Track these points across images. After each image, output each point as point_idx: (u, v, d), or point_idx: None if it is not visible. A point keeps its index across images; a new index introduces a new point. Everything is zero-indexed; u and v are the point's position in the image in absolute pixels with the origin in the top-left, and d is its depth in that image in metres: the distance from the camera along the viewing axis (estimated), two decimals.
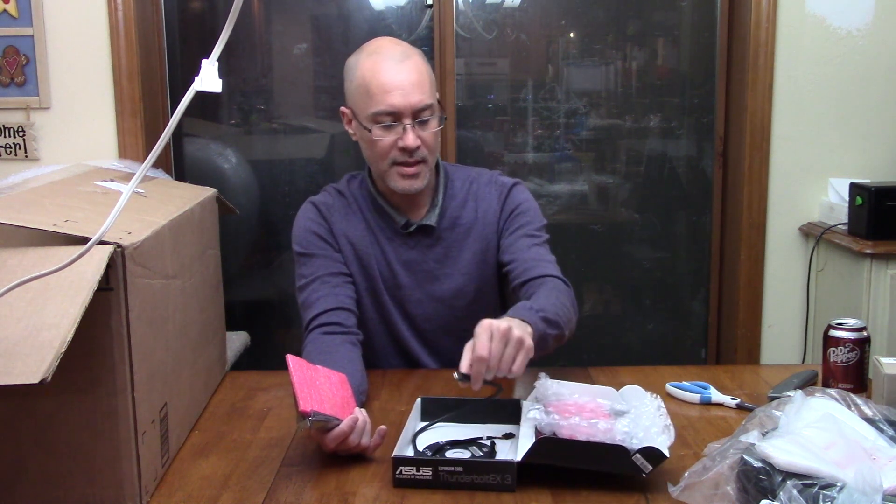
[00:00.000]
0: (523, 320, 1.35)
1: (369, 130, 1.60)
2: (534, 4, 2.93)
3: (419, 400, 1.41)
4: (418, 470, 1.19)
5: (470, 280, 1.72)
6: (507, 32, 2.91)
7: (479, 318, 1.71)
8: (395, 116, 1.58)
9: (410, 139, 1.58)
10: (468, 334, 1.50)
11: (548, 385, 1.33)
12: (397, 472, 1.19)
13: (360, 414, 1.28)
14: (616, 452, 1.17)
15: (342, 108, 1.69)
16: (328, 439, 1.25)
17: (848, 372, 1.46)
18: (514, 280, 1.65)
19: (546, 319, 1.41)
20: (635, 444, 1.18)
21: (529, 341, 1.30)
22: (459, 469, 1.18)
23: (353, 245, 1.70)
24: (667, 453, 1.16)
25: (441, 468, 1.18)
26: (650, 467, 1.16)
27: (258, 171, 3.00)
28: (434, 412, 1.39)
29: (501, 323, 1.29)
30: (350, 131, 1.69)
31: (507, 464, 1.19)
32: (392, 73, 1.57)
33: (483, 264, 1.72)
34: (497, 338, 1.27)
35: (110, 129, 2.70)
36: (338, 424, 1.24)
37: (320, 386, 1.28)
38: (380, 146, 1.60)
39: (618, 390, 1.39)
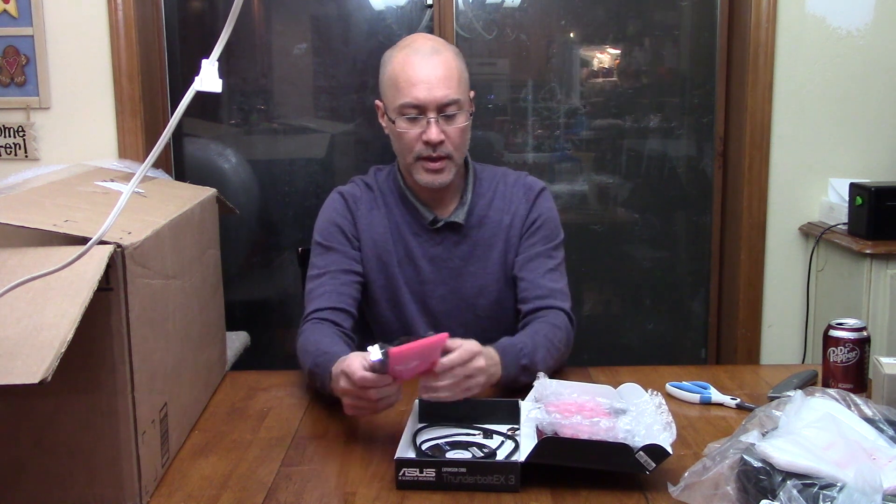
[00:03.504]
0: (503, 366, 1.44)
1: (395, 122, 1.63)
2: (534, 4, 2.92)
3: (417, 401, 1.41)
4: (421, 472, 1.19)
5: (494, 279, 1.73)
6: (507, 32, 2.91)
7: (499, 317, 1.74)
8: (420, 109, 1.61)
9: (433, 133, 1.61)
10: (487, 334, 1.51)
11: (546, 384, 1.33)
12: (400, 474, 1.19)
13: (394, 387, 1.28)
14: (619, 451, 1.17)
15: (376, 102, 1.73)
16: (355, 377, 1.25)
17: (848, 372, 1.46)
18: (522, 301, 1.69)
19: (525, 367, 1.47)
20: (638, 441, 1.18)
21: (476, 391, 1.35)
22: (463, 470, 1.18)
23: (374, 240, 1.72)
24: (670, 450, 1.16)
25: (444, 469, 1.18)
26: (653, 465, 1.16)
27: (258, 171, 3.00)
28: (432, 413, 1.39)
29: (480, 364, 1.34)
30: (382, 124, 1.73)
31: (510, 464, 1.19)
32: (419, 66, 1.61)
33: (505, 265, 1.74)
34: (462, 375, 1.31)
35: (110, 129, 2.70)
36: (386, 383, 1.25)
37: (416, 358, 1.27)
38: (405, 139, 1.64)
39: (613, 388, 1.39)
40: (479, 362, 1.34)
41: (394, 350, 1.21)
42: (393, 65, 1.64)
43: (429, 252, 1.72)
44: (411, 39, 1.69)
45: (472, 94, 1.70)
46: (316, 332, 1.57)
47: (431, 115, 1.61)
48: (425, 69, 1.61)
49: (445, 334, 1.29)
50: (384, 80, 1.67)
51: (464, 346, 1.32)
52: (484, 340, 1.35)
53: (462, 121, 1.64)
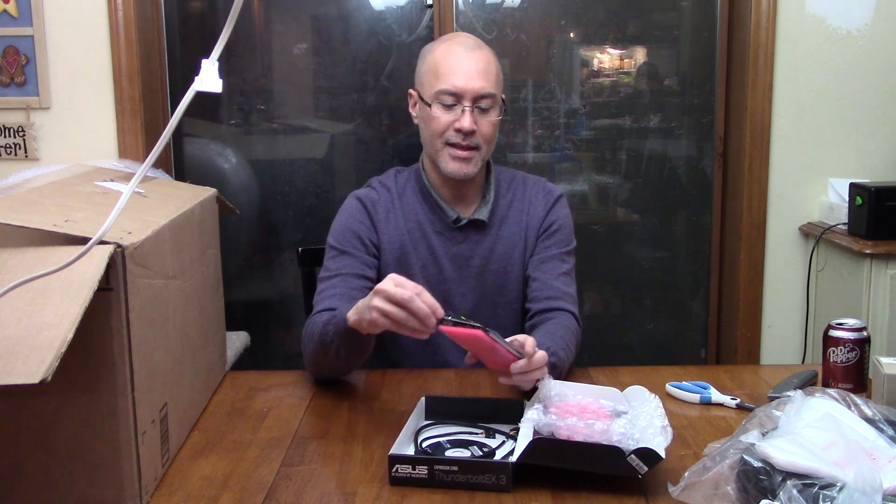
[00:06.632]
0: None
1: (430, 106, 1.66)
2: (534, 4, 2.93)
3: (423, 398, 1.41)
4: (414, 468, 1.19)
5: (514, 278, 1.75)
6: (507, 32, 2.91)
7: (514, 316, 1.76)
8: (456, 97, 1.65)
9: (467, 121, 1.64)
10: (504, 333, 1.52)
11: (551, 385, 1.32)
12: (393, 470, 1.20)
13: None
14: (611, 453, 1.16)
15: (410, 90, 1.76)
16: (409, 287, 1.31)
17: (848, 372, 1.46)
18: (532, 300, 1.70)
19: (553, 365, 1.47)
20: (632, 444, 1.18)
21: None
22: (455, 469, 1.18)
23: (394, 242, 1.73)
24: (662, 454, 1.16)
25: (436, 467, 1.18)
26: (645, 468, 1.15)
27: (258, 171, 3.00)
28: (438, 411, 1.39)
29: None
30: (413, 114, 1.76)
31: (502, 464, 1.19)
32: (461, 57, 1.66)
33: (523, 265, 1.75)
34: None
35: (110, 129, 2.70)
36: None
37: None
38: (437, 123, 1.66)
39: (618, 390, 1.39)
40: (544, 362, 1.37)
41: (443, 327, 1.30)
42: (435, 53, 1.69)
43: (451, 251, 1.73)
44: (454, 34, 1.75)
45: (503, 96, 1.72)
46: (326, 315, 1.57)
47: (466, 103, 1.64)
48: (467, 61, 1.65)
49: (481, 332, 1.30)
50: (423, 68, 1.71)
51: (535, 358, 1.34)
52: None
53: (494, 116, 1.68)
